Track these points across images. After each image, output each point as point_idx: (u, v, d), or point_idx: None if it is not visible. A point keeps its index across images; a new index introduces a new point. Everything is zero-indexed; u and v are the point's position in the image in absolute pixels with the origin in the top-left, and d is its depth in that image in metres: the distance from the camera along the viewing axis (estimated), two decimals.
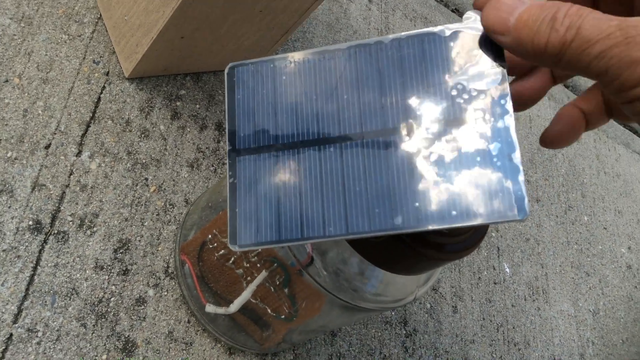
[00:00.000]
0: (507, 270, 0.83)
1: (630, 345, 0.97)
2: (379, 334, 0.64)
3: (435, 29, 0.32)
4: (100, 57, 0.57)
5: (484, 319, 0.76)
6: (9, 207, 0.47)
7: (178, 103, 0.60)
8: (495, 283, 0.80)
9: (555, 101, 1.13)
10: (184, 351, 0.50)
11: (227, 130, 0.33)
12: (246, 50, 0.62)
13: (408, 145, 0.30)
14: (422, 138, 0.29)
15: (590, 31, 0.23)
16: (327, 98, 0.32)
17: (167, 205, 0.54)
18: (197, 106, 0.61)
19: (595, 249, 1.01)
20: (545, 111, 1.09)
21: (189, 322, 0.51)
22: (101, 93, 0.55)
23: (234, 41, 0.59)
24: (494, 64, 0.30)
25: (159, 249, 0.52)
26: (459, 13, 1.06)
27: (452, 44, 0.31)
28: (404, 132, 0.30)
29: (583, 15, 0.24)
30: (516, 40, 0.26)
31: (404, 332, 0.66)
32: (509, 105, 0.29)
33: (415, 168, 0.29)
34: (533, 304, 0.84)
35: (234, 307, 0.47)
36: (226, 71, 0.35)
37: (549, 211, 0.97)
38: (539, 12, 0.25)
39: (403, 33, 0.32)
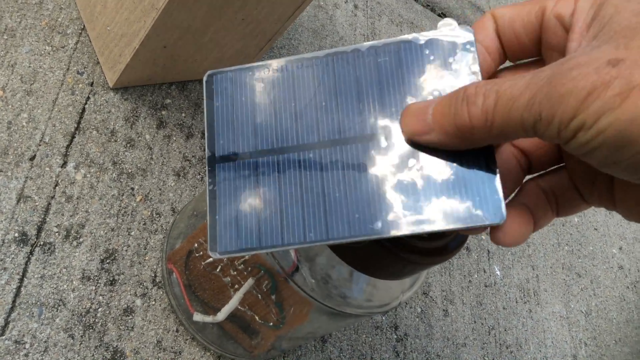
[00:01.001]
0: (498, 272, 0.84)
1: (623, 345, 0.97)
2: (370, 339, 0.64)
3: (411, 37, 0.32)
4: (85, 67, 0.57)
5: (475, 322, 0.76)
6: None
7: (163, 112, 0.60)
8: (486, 286, 0.80)
9: None
10: None
11: (206, 138, 0.33)
12: (230, 58, 0.62)
13: (386, 151, 0.30)
14: (400, 144, 0.30)
15: (510, 89, 0.23)
16: (306, 105, 0.32)
17: (154, 215, 0.54)
18: (183, 115, 0.61)
19: (586, 250, 1.02)
20: None
21: (177, 331, 0.51)
22: (85, 104, 0.55)
23: (217, 49, 0.59)
24: (469, 70, 0.30)
25: (146, 258, 0.52)
26: (445, 17, 1.06)
27: (427, 51, 0.31)
28: (382, 138, 0.30)
29: (495, 81, 0.24)
30: (441, 132, 0.26)
31: (395, 336, 0.66)
32: None
33: (394, 174, 0.29)
34: (524, 306, 0.84)
35: (221, 315, 0.47)
36: (205, 79, 0.35)
37: None
38: (450, 98, 0.26)
39: (380, 41, 0.32)
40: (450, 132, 0.26)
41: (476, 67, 0.30)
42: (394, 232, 0.29)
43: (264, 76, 0.34)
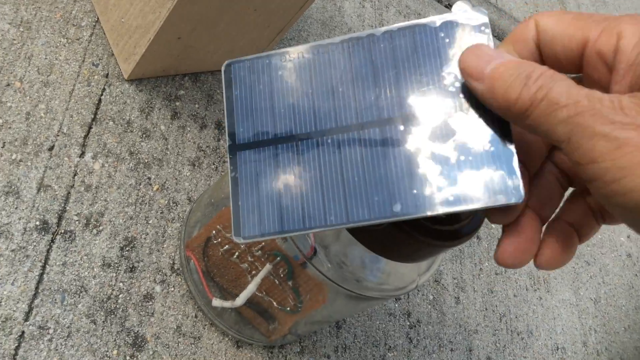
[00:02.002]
0: None
1: (632, 332, 0.97)
2: (383, 325, 0.65)
3: (425, 20, 0.33)
4: (99, 59, 0.58)
5: (486, 309, 0.77)
6: (16, 208, 0.48)
7: (177, 103, 0.61)
8: (496, 274, 0.81)
9: None
10: (193, 345, 0.50)
11: (226, 126, 0.34)
12: (242, 49, 0.63)
13: (403, 134, 0.30)
14: (418, 127, 0.30)
15: (560, 95, 0.24)
16: (323, 91, 0.33)
17: (171, 204, 0.55)
18: (197, 106, 0.62)
19: (595, 239, 1.02)
20: None
21: (196, 316, 0.52)
22: (101, 95, 0.56)
23: (229, 41, 0.60)
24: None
25: (164, 246, 0.53)
26: (452, 8, 1.07)
27: (442, 34, 0.32)
28: (399, 122, 0.31)
29: (556, 78, 0.24)
30: (489, 90, 0.27)
31: (408, 323, 0.67)
32: None
33: (411, 156, 0.30)
34: (535, 294, 0.85)
35: (239, 300, 0.48)
36: (223, 68, 0.36)
37: None
38: (515, 68, 0.26)
39: (394, 25, 0.33)
40: (496, 95, 0.26)
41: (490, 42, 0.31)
42: (413, 214, 0.30)
43: (281, 64, 0.34)
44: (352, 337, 0.61)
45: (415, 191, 0.30)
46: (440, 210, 0.29)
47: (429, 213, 0.30)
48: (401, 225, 0.36)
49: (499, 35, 1.12)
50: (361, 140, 0.32)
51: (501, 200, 0.28)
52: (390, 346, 0.64)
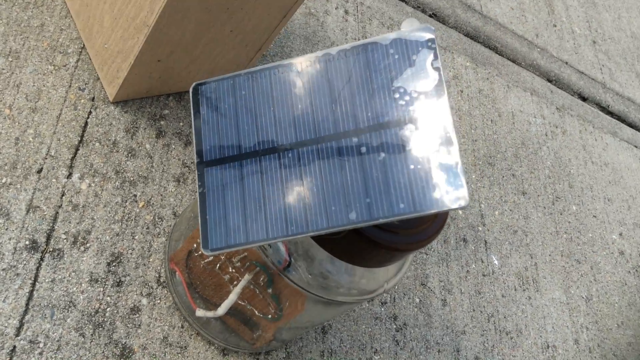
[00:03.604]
0: (496, 262, 0.86)
1: (626, 328, 0.99)
2: (370, 329, 0.67)
3: (377, 38, 0.35)
4: (86, 84, 0.60)
5: (474, 310, 0.78)
6: (6, 229, 0.50)
7: (162, 122, 0.63)
8: (484, 275, 0.83)
9: (537, 95, 1.15)
10: (179, 354, 0.53)
11: (194, 144, 0.36)
12: (223, 68, 0.66)
13: (357, 146, 0.33)
14: (370, 139, 0.32)
15: None
16: (283, 108, 0.35)
17: (156, 219, 0.58)
18: (181, 124, 0.64)
19: (586, 237, 1.04)
20: (527, 106, 1.12)
21: (182, 327, 0.54)
22: (88, 118, 0.59)
23: (209, 61, 0.63)
24: (431, 66, 0.33)
25: (150, 260, 0.55)
26: (436, 18, 1.09)
27: (392, 50, 0.34)
28: (353, 134, 0.33)
29: None
30: None
31: (394, 326, 0.69)
32: (445, 104, 0.32)
33: (365, 167, 0.32)
34: (524, 294, 0.86)
35: (221, 309, 0.50)
36: (191, 90, 0.38)
37: (536, 203, 0.99)
38: None
39: (348, 44, 0.35)
40: None
41: (438, 63, 0.33)
42: (367, 221, 0.32)
43: (244, 84, 0.37)
44: (339, 341, 0.63)
45: (368, 200, 0.32)
46: (392, 217, 0.32)
47: (381, 220, 0.32)
48: (361, 232, 0.39)
49: (484, 42, 1.14)
50: (319, 152, 0.34)
51: (447, 206, 0.31)
52: (376, 349, 0.66)
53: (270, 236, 0.34)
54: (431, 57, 0.33)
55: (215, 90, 0.38)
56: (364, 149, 0.33)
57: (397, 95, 0.34)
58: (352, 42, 0.35)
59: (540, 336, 0.84)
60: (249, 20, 0.58)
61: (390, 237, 0.39)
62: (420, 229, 0.41)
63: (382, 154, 0.33)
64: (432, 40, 0.34)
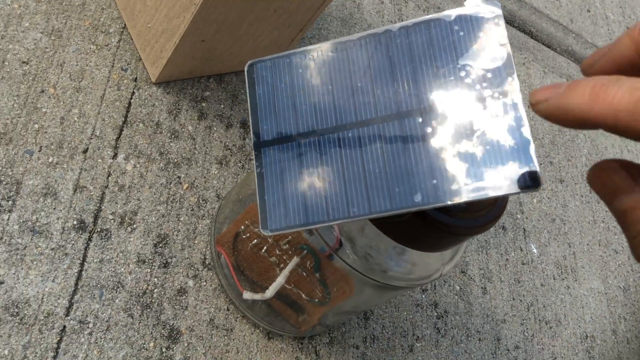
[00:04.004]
0: (535, 250, 0.84)
1: None
2: (411, 316, 0.66)
3: (440, 15, 0.34)
4: (128, 64, 0.60)
5: (513, 299, 0.77)
6: (54, 208, 0.50)
7: (203, 104, 0.62)
8: (523, 264, 0.81)
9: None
10: (225, 337, 0.52)
11: (251, 124, 0.35)
12: (264, 49, 0.65)
13: (422, 127, 0.31)
14: (436, 119, 0.31)
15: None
16: (343, 87, 0.34)
17: (200, 201, 0.57)
18: (222, 106, 0.64)
19: None
20: None
21: (228, 309, 0.53)
22: (131, 98, 0.58)
23: (252, 41, 0.62)
24: (499, 43, 0.32)
25: (195, 242, 0.55)
26: (465, 2, 1.07)
27: (456, 27, 0.33)
28: (417, 115, 0.32)
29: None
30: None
31: (435, 314, 0.68)
32: (516, 83, 0.31)
33: (430, 148, 0.31)
34: (562, 283, 0.85)
35: (269, 292, 0.50)
36: (246, 68, 0.37)
37: (574, 191, 0.97)
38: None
39: (410, 20, 0.34)
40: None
41: (505, 40, 0.32)
42: (434, 203, 0.31)
43: (301, 62, 0.36)
44: (380, 327, 0.62)
45: (435, 181, 0.31)
46: (460, 198, 0.30)
47: (449, 202, 0.31)
48: (424, 215, 0.38)
49: (519, 26, 1.12)
50: (381, 134, 0.33)
51: (519, 188, 0.29)
52: (418, 336, 0.65)
53: (331, 217, 0.33)
54: (498, 33, 0.32)
55: (271, 68, 0.37)
56: (429, 130, 0.32)
57: (462, 74, 0.32)
58: (414, 19, 0.34)
59: (579, 326, 0.83)
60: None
61: (454, 220, 0.38)
62: (480, 214, 0.40)
63: (446, 135, 0.31)
64: (499, 17, 0.33)
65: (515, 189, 0.30)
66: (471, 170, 0.30)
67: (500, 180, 0.30)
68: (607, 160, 0.24)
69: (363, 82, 0.34)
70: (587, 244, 0.93)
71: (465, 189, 0.30)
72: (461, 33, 0.33)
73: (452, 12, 0.33)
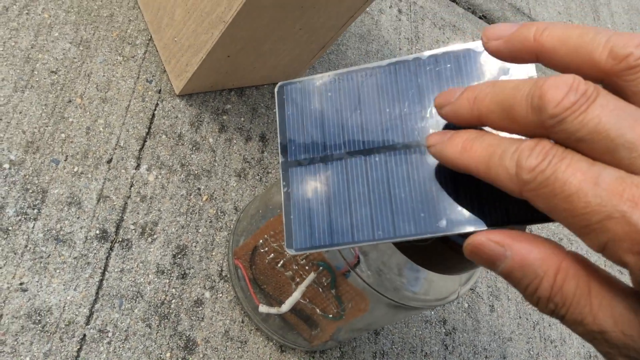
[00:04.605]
0: None
1: None
2: (420, 332, 0.66)
3: (470, 45, 0.35)
4: (153, 76, 0.61)
5: (520, 317, 0.78)
6: (78, 217, 0.51)
7: (224, 117, 0.63)
8: None
9: None
10: (240, 349, 0.53)
11: (279, 144, 0.36)
12: (286, 65, 0.66)
13: None
14: None
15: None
16: (371, 112, 0.35)
17: (219, 213, 0.58)
18: (242, 119, 0.65)
19: None
20: None
21: (242, 322, 0.54)
22: (155, 110, 0.59)
23: (274, 57, 0.63)
24: (527, 75, 0.33)
25: (213, 253, 0.56)
26: (486, 20, 1.08)
27: (485, 58, 0.34)
28: None
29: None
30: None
31: (444, 330, 0.69)
32: None
33: (456, 174, 0.32)
34: None
35: (285, 307, 0.51)
36: (276, 90, 0.38)
37: None
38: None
39: (439, 49, 0.35)
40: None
41: (533, 72, 0.33)
42: (458, 230, 0.32)
43: (330, 86, 0.37)
44: (390, 343, 0.63)
45: (459, 208, 0.32)
46: (483, 227, 0.31)
47: (472, 229, 0.32)
48: (447, 239, 0.38)
49: None
50: (407, 157, 0.34)
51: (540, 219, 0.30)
52: (426, 353, 0.66)
53: (356, 239, 0.34)
54: (529, 66, 0.33)
55: (301, 91, 0.38)
56: None
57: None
58: (443, 47, 0.35)
59: (584, 345, 0.83)
60: (318, 18, 0.58)
61: None
62: None
63: None
64: None
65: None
66: (496, 200, 0.31)
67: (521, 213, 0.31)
68: (474, 236, 0.26)
69: (391, 107, 0.35)
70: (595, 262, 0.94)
71: (489, 217, 0.31)
72: (489, 64, 0.34)
73: (481, 44, 0.34)
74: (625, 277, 0.88)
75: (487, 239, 0.26)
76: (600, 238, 0.20)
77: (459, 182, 0.32)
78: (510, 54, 0.27)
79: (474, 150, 0.26)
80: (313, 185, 0.35)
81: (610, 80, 0.23)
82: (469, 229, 0.31)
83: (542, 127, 0.23)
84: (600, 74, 0.23)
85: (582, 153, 0.22)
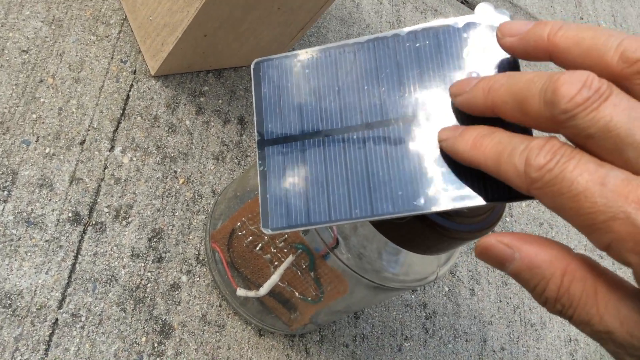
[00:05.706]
0: None
1: None
2: (400, 316, 0.66)
3: (449, 21, 0.34)
4: (127, 56, 0.59)
5: (500, 301, 0.78)
6: (50, 200, 0.50)
7: (202, 99, 0.62)
8: None
9: None
10: (217, 333, 0.52)
11: (255, 122, 0.35)
12: (264, 46, 0.65)
13: (427, 131, 0.32)
14: (440, 124, 0.32)
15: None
16: (349, 89, 0.34)
17: (196, 196, 0.57)
18: (220, 101, 0.64)
19: None
20: None
21: (220, 306, 0.54)
22: (130, 91, 0.58)
23: (253, 38, 0.62)
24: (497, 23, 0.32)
25: (190, 237, 0.55)
26: (468, 4, 1.08)
27: (465, 34, 0.33)
28: (422, 119, 0.32)
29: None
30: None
31: (424, 314, 0.68)
32: None
33: (434, 152, 0.31)
34: None
35: (263, 290, 0.50)
36: (252, 66, 0.37)
37: None
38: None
39: (419, 25, 0.34)
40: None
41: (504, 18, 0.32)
42: (435, 208, 0.31)
43: (308, 62, 0.36)
44: (370, 327, 0.63)
45: (437, 187, 0.31)
46: (461, 204, 0.31)
47: (450, 207, 0.31)
48: (423, 217, 0.38)
49: None
50: (386, 136, 0.33)
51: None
52: (406, 336, 0.65)
53: (333, 218, 0.34)
54: (500, 17, 0.32)
55: (277, 67, 0.37)
56: (434, 134, 0.32)
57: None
58: (422, 24, 0.34)
59: (564, 329, 0.84)
60: None
61: (454, 224, 0.38)
62: (479, 219, 0.40)
63: None
64: None
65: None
66: (474, 177, 0.30)
67: (498, 190, 0.30)
68: (484, 238, 0.27)
69: (370, 84, 0.34)
70: (574, 248, 0.94)
71: (467, 195, 0.30)
72: (470, 40, 0.33)
73: (461, 19, 0.34)
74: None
75: (497, 241, 0.26)
76: (605, 238, 0.21)
77: (437, 161, 0.31)
78: (523, 51, 0.28)
79: (484, 147, 0.26)
80: (290, 164, 0.34)
81: (620, 83, 0.23)
82: (447, 206, 0.31)
83: (553, 121, 0.23)
84: (611, 76, 0.23)
85: (590, 150, 0.23)
